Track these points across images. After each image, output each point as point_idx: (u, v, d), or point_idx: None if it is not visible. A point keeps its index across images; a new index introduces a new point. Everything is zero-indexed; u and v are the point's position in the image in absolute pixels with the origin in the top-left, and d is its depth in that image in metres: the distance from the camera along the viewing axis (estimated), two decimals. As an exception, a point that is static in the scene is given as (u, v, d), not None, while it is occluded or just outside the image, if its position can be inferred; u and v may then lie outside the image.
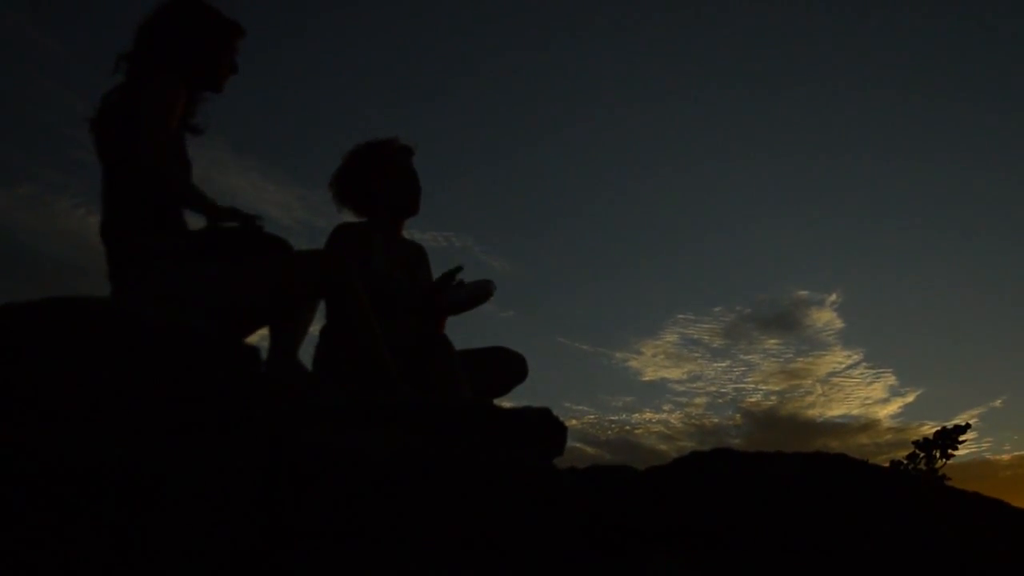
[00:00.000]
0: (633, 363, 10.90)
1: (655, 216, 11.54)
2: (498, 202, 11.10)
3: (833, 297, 10.72)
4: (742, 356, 11.27)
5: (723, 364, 10.98)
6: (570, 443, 2.19)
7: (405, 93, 10.51)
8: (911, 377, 11.06)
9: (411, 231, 3.36)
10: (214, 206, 2.34)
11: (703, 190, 11.38)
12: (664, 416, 10.64)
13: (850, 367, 10.54)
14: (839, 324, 10.63)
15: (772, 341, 11.25)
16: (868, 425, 10.26)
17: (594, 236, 11.51)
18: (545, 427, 2.06)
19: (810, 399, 10.82)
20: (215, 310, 2.18)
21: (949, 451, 3.70)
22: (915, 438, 3.86)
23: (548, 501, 1.66)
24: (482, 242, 10.23)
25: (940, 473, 3.68)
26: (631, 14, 10.24)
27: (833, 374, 10.67)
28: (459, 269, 3.07)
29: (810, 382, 10.80)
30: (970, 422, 3.87)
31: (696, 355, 10.92)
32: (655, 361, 10.87)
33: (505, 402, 3.10)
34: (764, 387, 10.98)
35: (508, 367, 3.15)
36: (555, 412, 2.13)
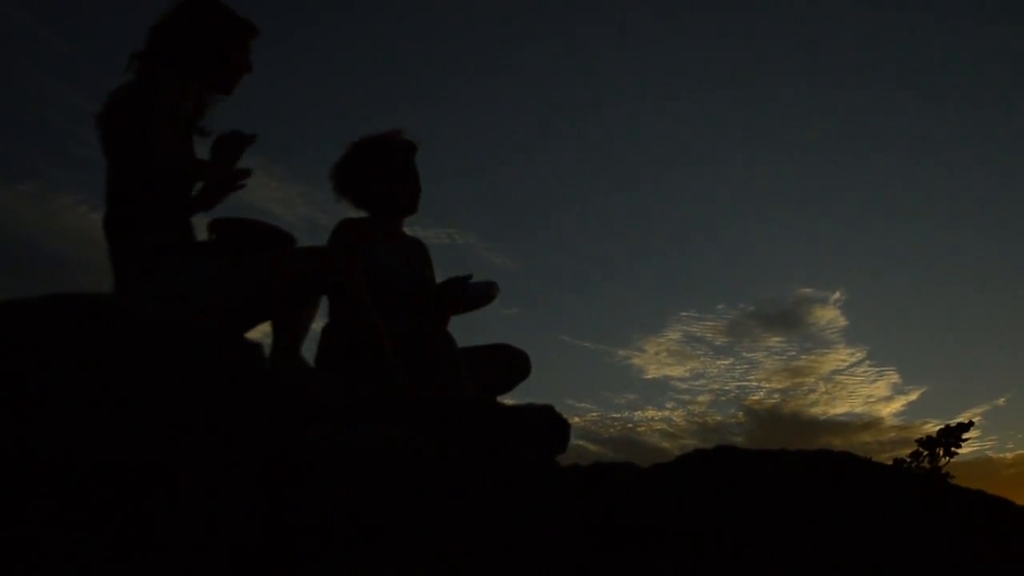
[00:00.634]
0: (636, 360, 10.89)
1: (658, 214, 11.52)
2: (501, 199, 11.08)
3: (836, 295, 10.70)
4: (745, 354, 11.25)
5: (726, 362, 10.97)
6: (572, 440, 2.18)
7: (408, 90, 10.50)
8: (914, 375, 11.05)
9: (413, 228, 3.36)
10: (215, 165, 2.36)
11: (707, 188, 11.36)
12: (667, 414, 10.63)
13: (853, 365, 10.52)
14: (842, 322, 10.62)
15: (775, 339, 11.24)
16: (871, 423, 10.25)
17: (597, 233, 11.49)
18: (548, 424, 2.06)
19: (813, 397, 10.80)
20: (217, 306, 2.18)
21: (952, 449, 3.68)
22: (918, 436, 3.85)
23: (552, 498, 1.65)
24: (485, 239, 10.21)
25: (944, 471, 3.67)
26: (634, 14, 10.23)
27: (836, 372, 10.66)
28: (468, 277, 3.07)
29: (813, 380, 10.78)
30: (973, 420, 3.86)
31: (699, 353, 10.90)
32: (658, 359, 10.86)
33: (507, 399, 3.11)
34: (767, 385, 10.97)
35: (511, 364, 3.15)
36: (558, 409, 2.13)
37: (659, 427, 10.46)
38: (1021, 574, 1.73)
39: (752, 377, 10.92)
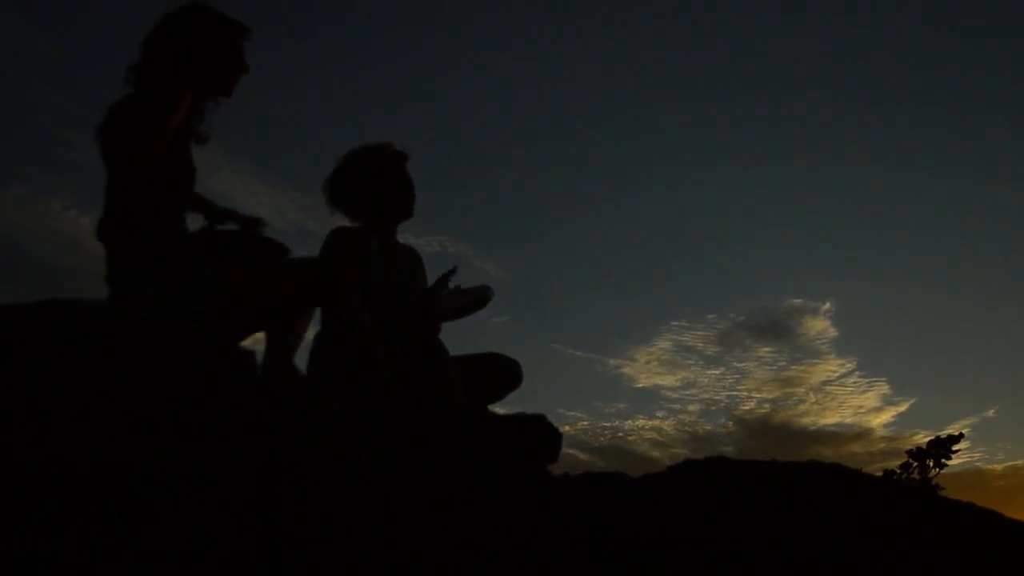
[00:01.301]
0: (627, 370, 10.92)
1: (649, 223, 11.57)
2: (492, 208, 11.12)
3: (827, 306, 10.76)
4: (735, 364, 11.30)
5: (716, 371, 11.02)
6: (563, 449, 2.19)
7: (399, 97, 10.53)
8: (904, 386, 11.11)
9: (404, 236, 3.36)
10: (213, 208, 2.34)
11: (697, 198, 11.42)
12: (657, 423, 10.66)
13: (843, 376, 10.58)
14: (832, 333, 10.68)
15: (765, 349, 11.29)
16: (861, 434, 10.30)
17: (588, 242, 11.54)
18: (540, 433, 2.06)
19: (803, 407, 10.85)
20: (211, 314, 2.18)
21: (942, 460, 3.70)
22: (908, 447, 3.87)
23: (543, 508, 1.65)
24: (476, 247, 10.25)
25: (933, 483, 3.69)
26: (627, 21, 10.28)
27: (826, 382, 10.71)
28: (454, 271, 3.07)
29: (803, 390, 10.83)
30: (963, 431, 3.88)
31: (689, 362, 10.95)
32: (648, 368, 10.89)
33: (498, 408, 3.11)
34: (757, 395, 11.01)
35: (502, 373, 3.16)
36: (548, 418, 2.13)
37: (649, 436, 10.48)
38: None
39: (742, 387, 10.97)
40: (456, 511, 1.56)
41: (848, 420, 10.81)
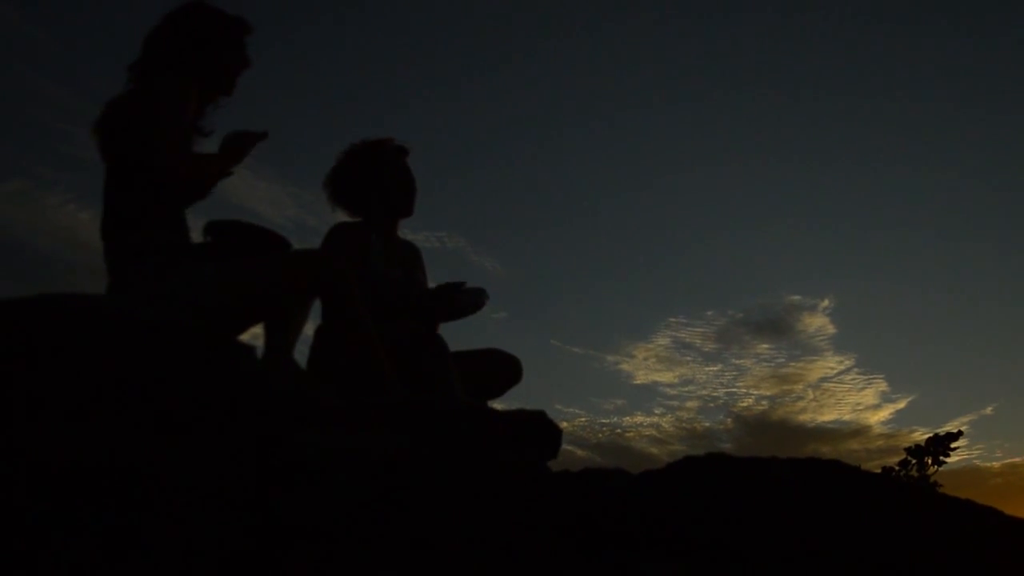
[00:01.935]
0: (625, 366, 10.92)
1: (648, 220, 11.56)
2: (491, 203, 11.11)
3: (825, 303, 10.75)
4: (734, 360, 11.30)
5: (715, 368, 11.01)
6: (561, 446, 2.18)
7: (398, 92, 10.51)
8: (903, 383, 11.11)
9: (402, 231, 3.36)
10: (225, 159, 2.37)
11: (697, 194, 11.41)
12: (655, 419, 10.66)
13: (842, 373, 10.57)
14: (831, 329, 10.67)
15: (764, 346, 11.28)
16: (859, 431, 10.30)
17: (587, 239, 11.52)
18: (540, 430, 2.06)
19: (801, 404, 10.85)
20: (211, 308, 2.18)
21: (941, 458, 3.70)
22: (906, 444, 3.87)
23: (542, 504, 1.65)
24: (475, 243, 10.23)
25: (932, 480, 3.69)
26: (629, 17, 10.26)
27: (825, 379, 10.71)
28: (461, 285, 3.07)
29: (801, 387, 10.83)
30: (962, 429, 3.88)
31: (688, 359, 10.94)
32: (647, 364, 10.89)
33: (497, 404, 3.11)
34: (755, 391, 11.01)
35: (502, 369, 3.15)
36: (547, 415, 2.13)
37: (647, 433, 10.48)
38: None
39: (740, 384, 10.96)
40: (456, 506, 1.55)
41: (846, 417, 10.81)
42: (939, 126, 10.56)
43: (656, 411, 10.76)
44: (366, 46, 10.28)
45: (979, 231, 10.93)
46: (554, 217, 11.46)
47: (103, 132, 2.38)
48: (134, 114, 2.32)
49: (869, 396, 10.65)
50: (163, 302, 2.13)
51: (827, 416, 10.83)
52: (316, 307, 2.62)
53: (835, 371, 10.59)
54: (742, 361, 11.23)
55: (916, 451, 3.79)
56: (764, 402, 10.91)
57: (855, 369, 10.53)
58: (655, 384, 10.95)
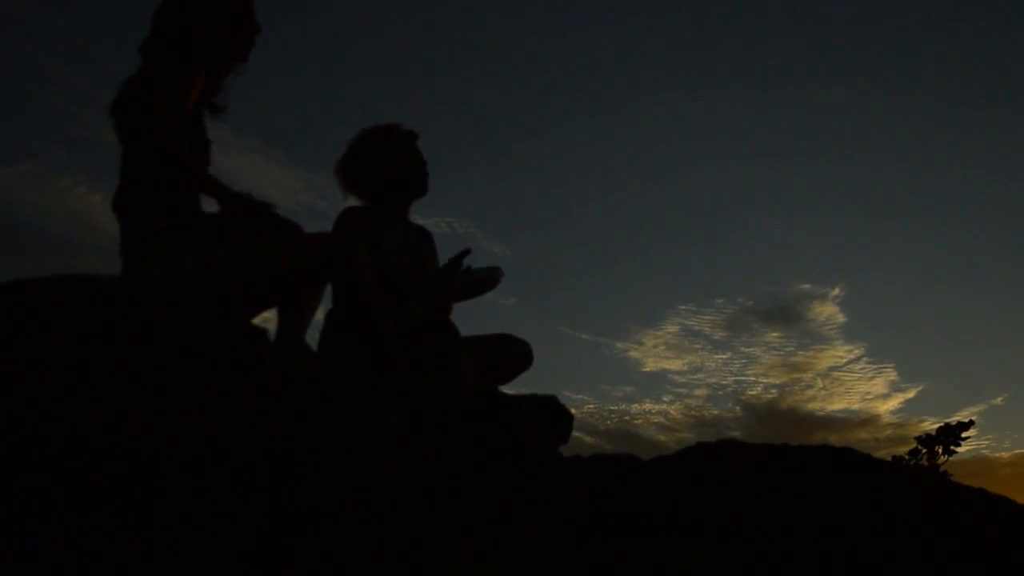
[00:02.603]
0: (634, 353, 10.93)
1: (659, 208, 11.55)
2: (501, 189, 11.10)
3: (835, 291, 10.73)
4: (743, 348, 11.31)
5: (724, 356, 11.02)
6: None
7: (409, 78, 10.50)
8: (912, 373, 11.09)
9: (413, 216, 3.35)
10: (226, 191, 2.34)
11: (707, 183, 11.38)
12: (664, 407, 10.67)
13: (851, 362, 10.57)
14: (841, 318, 10.66)
15: (773, 334, 11.29)
16: (868, 420, 10.29)
17: (597, 225, 11.52)
18: (551, 415, 2.06)
19: (811, 393, 10.84)
20: (223, 290, 2.18)
21: (952, 448, 3.68)
22: (915, 434, 3.85)
23: (553, 490, 1.65)
24: (485, 229, 10.24)
25: (942, 470, 3.67)
26: (638, 8, 10.20)
27: (834, 368, 10.70)
28: (467, 252, 3.07)
29: (811, 376, 10.82)
30: (972, 419, 3.86)
31: (697, 346, 10.94)
32: (656, 352, 10.90)
33: (507, 390, 3.11)
34: (765, 380, 11.01)
35: (513, 354, 3.16)
36: (558, 399, 2.12)
37: (656, 420, 10.49)
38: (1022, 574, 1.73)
39: (750, 372, 10.97)
40: (467, 491, 1.56)
41: (855, 406, 10.80)
42: (951, 118, 10.49)
43: (665, 399, 10.78)
44: (380, 31, 10.27)
45: (990, 221, 10.87)
46: (564, 204, 11.46)
47: (116, 112, 2.39)
48: (142, 94, 2.32)
49: (879, 385, 10.64)
50: (177, 283, 2.14)
51: (836, 405, 10.82)
52: (327, 291, 2.63)
53: (845, 360, 10.58)
54: (751, 349, 11.23)
55: (927, 440, 3.77)
56: (773, 390, 10.92)
57: (865, 358, 10.52)
58: (664, 371, 10.96)
